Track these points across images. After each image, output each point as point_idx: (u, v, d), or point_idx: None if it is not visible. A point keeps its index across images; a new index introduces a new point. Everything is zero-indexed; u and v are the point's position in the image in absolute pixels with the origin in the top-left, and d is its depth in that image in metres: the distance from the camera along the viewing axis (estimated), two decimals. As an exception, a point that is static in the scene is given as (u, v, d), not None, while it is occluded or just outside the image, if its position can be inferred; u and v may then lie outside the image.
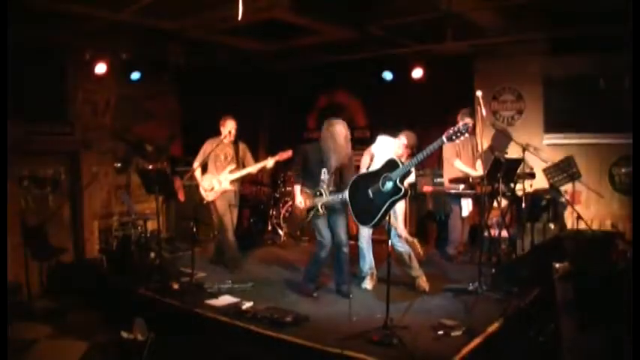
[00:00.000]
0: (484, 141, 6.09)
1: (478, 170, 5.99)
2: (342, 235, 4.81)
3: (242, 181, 6.11)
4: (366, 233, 5.12)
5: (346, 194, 4.39)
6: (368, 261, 5.16)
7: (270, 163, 5.74)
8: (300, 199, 4.83)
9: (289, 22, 5.69)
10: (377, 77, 7.44)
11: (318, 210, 4.74)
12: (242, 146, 5.89)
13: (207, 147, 5.70)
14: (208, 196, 5.73)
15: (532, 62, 6.97)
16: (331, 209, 4.80)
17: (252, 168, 5.80)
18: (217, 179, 5.70)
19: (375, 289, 5.07)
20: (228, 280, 5.16)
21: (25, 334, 4.78)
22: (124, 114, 7.12)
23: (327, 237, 4.81)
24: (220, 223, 5.78)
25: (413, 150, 5.00)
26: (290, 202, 7.41)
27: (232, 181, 5.73)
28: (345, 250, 4.82)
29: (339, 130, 4.62)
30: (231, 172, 5.71)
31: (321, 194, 4.73)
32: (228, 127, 5.69)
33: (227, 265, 5.87)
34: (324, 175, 4.75)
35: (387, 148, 5.05)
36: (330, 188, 4.74)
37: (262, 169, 5.94)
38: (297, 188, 4.89)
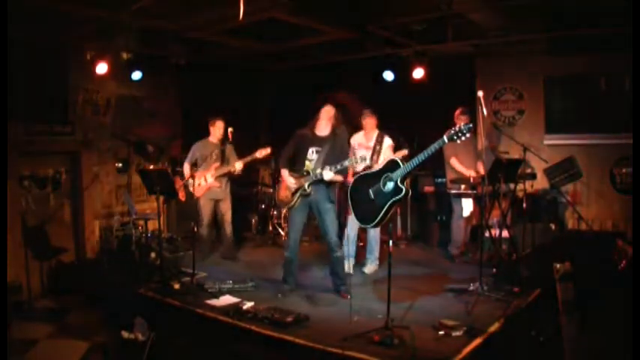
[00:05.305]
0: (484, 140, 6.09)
1: (479, 171, 5.97)
2: (333, 237, 4.71)
3: (245, 183, 6.30)
4: (354, 224, 5.19)
5: (326, 174, 4.47)
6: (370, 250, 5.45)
7: (245, 160, 6.05)
8: (292, 180, 4.74)
9: (289, 22, 5.68)
10: (377, 77, 7.43)
11: (305, 190, 4.61)
12: (229, 147, 6.24)
13: (196, 147, 6.15)
14: (196, 191, 6.08)
15: (533, 62, 6.97)
16: (319, 209, 4.69)
17: (234, 165, 6.05)
18: (205, 176, 6.07)
19: (374, 274, 5.13)
20: (229, 280, 5.15)
21: (25, 334, 4.78)
22: (124, 114, 7.12)
23: (293, 237, 4.79)
24: (199, 215, 6.12)
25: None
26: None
27: (217, 178, 6.08)
28: (338, 253, 4.76)
29: (324, 112, 4.80)
30: (216, 169, 6.08)
31: (308, 174, 4.64)
32: (219, 127, 6.13)
33: (223, 255, 6.27)
34: (312, 154, 4.70)
35: (359, 139, 5.56)
36: (318, 170, 4.59)
37: (250, 162, 6.15)
38: (285, 172, 4.80)
